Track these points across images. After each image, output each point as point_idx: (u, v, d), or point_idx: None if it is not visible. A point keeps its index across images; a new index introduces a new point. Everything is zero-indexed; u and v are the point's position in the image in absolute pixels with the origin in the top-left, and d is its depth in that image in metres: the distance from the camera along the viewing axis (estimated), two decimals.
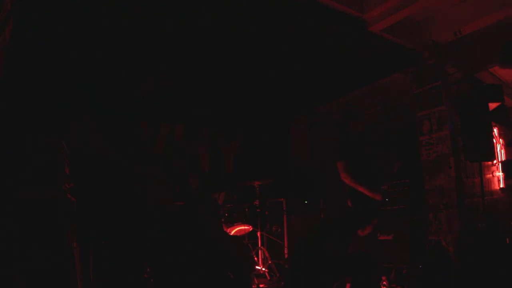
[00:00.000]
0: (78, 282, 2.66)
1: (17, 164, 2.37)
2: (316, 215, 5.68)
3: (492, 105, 4.32)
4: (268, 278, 5.18)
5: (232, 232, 5.21)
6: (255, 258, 5.39)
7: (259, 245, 5.60)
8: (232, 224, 5.23)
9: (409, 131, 5.06)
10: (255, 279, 4.88)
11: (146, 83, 4.99)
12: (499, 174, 5.78)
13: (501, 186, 5.73)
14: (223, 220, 5.18)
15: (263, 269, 5.30)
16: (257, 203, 5.68)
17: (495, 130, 5.78)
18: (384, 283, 4.18)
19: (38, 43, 3.65)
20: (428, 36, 4.61)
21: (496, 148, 5.79)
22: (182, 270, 3.87)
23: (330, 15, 3.83)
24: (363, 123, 4.38)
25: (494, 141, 5.24)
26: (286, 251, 5.90)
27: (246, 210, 5.41)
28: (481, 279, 3.15)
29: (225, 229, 5.13)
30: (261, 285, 4.77)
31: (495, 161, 5.70)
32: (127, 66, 4.58)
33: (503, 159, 5.94)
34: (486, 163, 5.24)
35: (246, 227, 5.32)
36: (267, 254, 5.41)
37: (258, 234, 5.64)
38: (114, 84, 4.89)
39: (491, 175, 5.68)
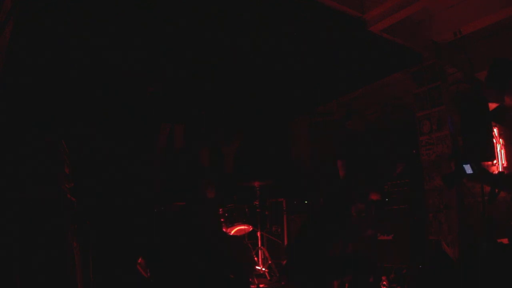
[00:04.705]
0: (78, 282, 2.66)
1: (17, 164, 2.37)
2: (315, 215, 5.68)
3: (492, 105, 4.32)
4: (268, 278, 5.17)
5: (232, 232, 5.21)
6: (255, 258, 5.39)
7: (259, 245, 5.60)
8: (232, 224, 5.23)
9: (409, 131, 5.06)
10: (255, 279, 4.88)
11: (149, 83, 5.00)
12: None
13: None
14: (223, 220, 5.18)
15: (263, 269, 5.30)
16: (257, 203, 5.68)
17: (495, 130, 5.77)
18: (384, 283, 4.18)
19: (38, 43, 3.65)
20: (428, 36, 4.60)
21: (496, 148, 5.77)
22: (182, 270, 3.87)
23: (330, 15, 3.83)
24: (361, 121, 4.38)
25: (494, 141, 5.23)
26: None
27: (246, 210, 5.41)
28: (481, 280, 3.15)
29: (225, 229, 5.13)
30: (261, 285, 4.77)
31: (495, 161, 5.69)
32: (128, 66, 4.59)
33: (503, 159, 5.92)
34: (486, 163, 5.23)
35: (246, 227, 5.32)
36: (267, 254, 5.41)
37: (258, 234, 5.64)
38: (114, 84, 4.90)
39: None
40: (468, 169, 2.84)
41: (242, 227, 5.29)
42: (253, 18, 3.91)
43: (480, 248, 3.44)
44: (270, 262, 5.28)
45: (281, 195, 6.24)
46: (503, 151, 6.07)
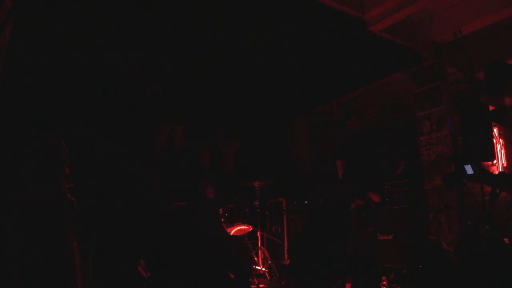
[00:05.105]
0: (78, 282, 2.66)
1: (17, 164, 2.37)
2: (316, 215, 5.69)
3: None
4: (268, 278, 5.17)
5: (232, 232, 5.21)
6: (255, 258, 5.39)
7: (259, 245, 5.60)
8: (232, 224, 5.23)
9: (409, 131, 5.06)
10: (255, 279, 4.88)
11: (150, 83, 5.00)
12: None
13: None
14: (223, 220, 5.18)
15: (263, 269, 5.30)
16: (257, 203, 5.68)
17: (495, 130, 5.77)
18: (384, 283, 4.17)
19: (38, 43, 3.65)
20: (428, 36, 4.60)
21: (496, 148, 5.77)
22: (182, 270, 3.87)
23: (330, 15, 3.83)
24: (360, 120, 4.38)
25: (494, 141, 5.23)
26: (286, 251, 5.90)
27: (246, 210, 5.42)
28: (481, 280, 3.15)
29: (225, 229, 5.14)
30: (261, 285, 4.77)
31: (495, 161, 5.69)
32: (128, 66, 4.58)
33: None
34: (486, 163, 5.23)
35: (246, 227, 5.33)
36: (267, 254, 5.41)
37: (258, 234, 5.64)
38: (114, 84, 4.89)
39: None
40: (468, 169, 2.84)
41: (242, 227, 5.29)
42: (253, 18, 3.91)
43: (480, 248, 3.44)
44: (270, 262, 5.28)
45: (281, 195, 6.25)
46: (503, 151, 6.07)
